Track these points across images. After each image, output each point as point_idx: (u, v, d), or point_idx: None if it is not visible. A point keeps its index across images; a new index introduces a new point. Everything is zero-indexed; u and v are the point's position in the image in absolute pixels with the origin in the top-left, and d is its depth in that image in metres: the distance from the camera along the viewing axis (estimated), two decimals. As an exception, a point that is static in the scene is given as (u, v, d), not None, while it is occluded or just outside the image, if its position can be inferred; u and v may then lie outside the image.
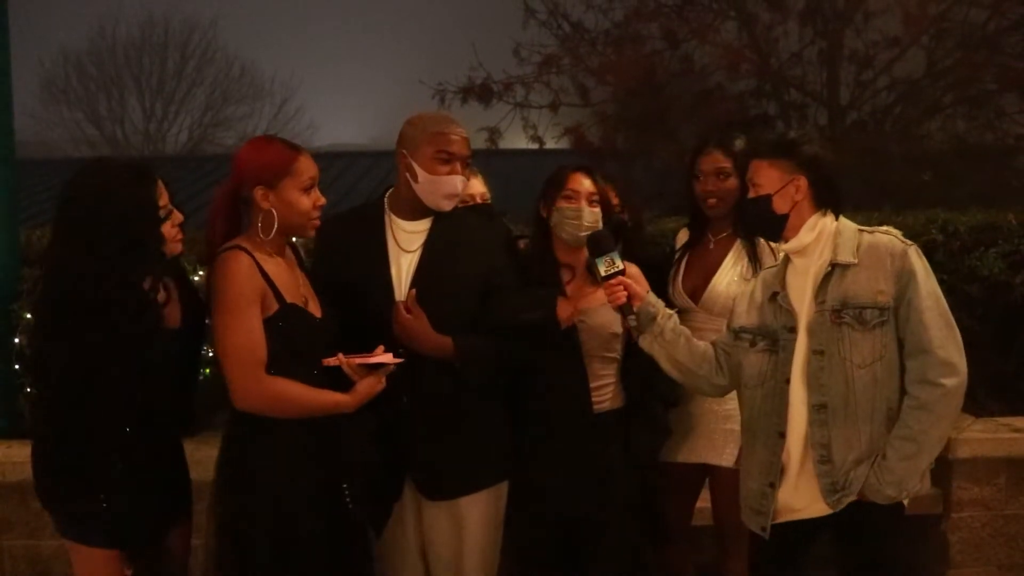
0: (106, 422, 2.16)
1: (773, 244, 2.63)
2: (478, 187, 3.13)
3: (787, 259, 2.46)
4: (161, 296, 2.22)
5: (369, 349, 2.35)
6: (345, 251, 2.59)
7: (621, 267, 2.48)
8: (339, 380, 2.32)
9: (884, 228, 2.42)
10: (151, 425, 2.24)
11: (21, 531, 3.48)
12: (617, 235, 2.66)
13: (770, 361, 2.40)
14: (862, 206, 5.56)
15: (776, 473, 2.38)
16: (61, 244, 2.18)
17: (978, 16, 8.23)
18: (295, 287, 2.35)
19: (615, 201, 2.81)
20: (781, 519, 2.38)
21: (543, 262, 2.73)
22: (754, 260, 2.84)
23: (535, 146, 9.22)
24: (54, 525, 2.30)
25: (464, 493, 2.57)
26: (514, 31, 8.86)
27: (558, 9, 8.97)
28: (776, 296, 2.41)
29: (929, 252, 4.19)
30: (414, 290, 2.49)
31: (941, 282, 4.12)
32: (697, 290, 2.90)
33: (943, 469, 3.53)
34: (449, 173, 2.53)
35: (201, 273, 3.73)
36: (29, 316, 3.75)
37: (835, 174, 2.45)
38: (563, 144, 9.05)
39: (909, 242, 2.36)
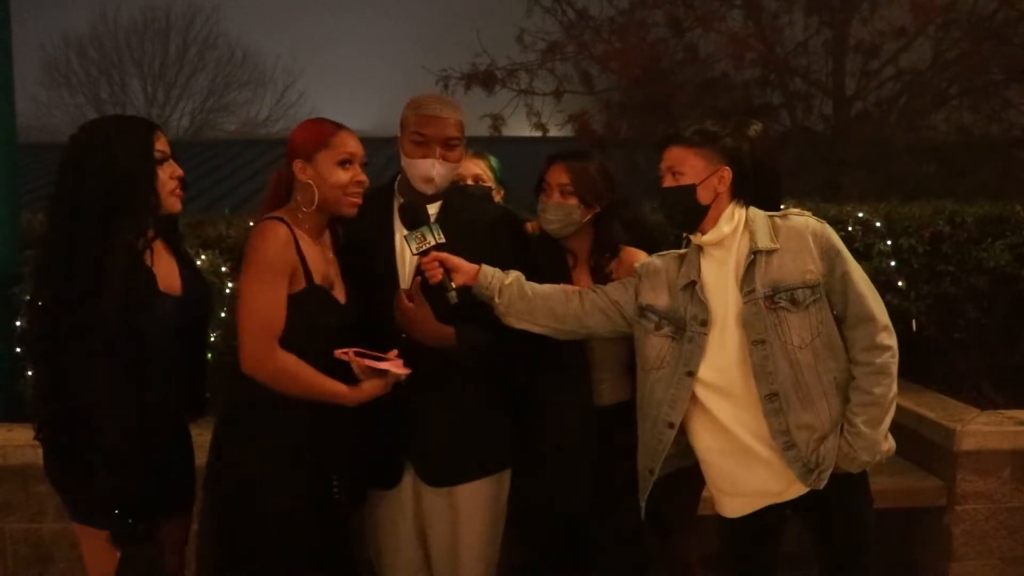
0: (106, 397, 2.09)
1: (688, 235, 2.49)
2: (472, 168, 3.11)
3: (700, 248, 2.42)
4: (148, 258, 2.18)
5: (377, 339, 2.34)
6: (354, 233, 2.56)
7: (433, 242, 2.39)
8: (348, 372, 2.31)
9: (796, 211, 2.42)
10: (153, 403, 2.19)
11: (22, 515, 3.47)
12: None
13: (671, 348, 2.38)
14: (867, 197, 5.55)
15: (658, 460, 2.40)
16: (52, 202, 2.17)
17: (986, 7, 8.18)
18: (324, 270, 2.36)
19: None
20: (763, 504, 2.38)
21: (547, 250, 2.71)
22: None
23: (539, 134, 9.19)
24: (68, 511, 2.25)
25: (463, 481, 2.56)
26: (518, 18, 8.85)
27: (562, -4, 8.93)
28: (693, 286, 2.38)
29: (936, 243, 4.23)
30: (418, 278, 2.47)
31: (948, 273, 4.20)
32: None
33: (947, 461, 3.53)
34: (422, 156, 2.48)
35: (204, 257, 3.72)
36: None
37: (756, 166, 2.43)
38: (567, 132, 9.02)
39: (822, 220, 2.39)
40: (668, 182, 2.40)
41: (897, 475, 3.62)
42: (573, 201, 2.60)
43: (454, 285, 2.41)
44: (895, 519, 3.64)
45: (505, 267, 2.54)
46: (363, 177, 2.37)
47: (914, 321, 4.14)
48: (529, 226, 2.79)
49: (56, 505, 3.40)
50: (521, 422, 2.66)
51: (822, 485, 2.28)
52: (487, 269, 2.48)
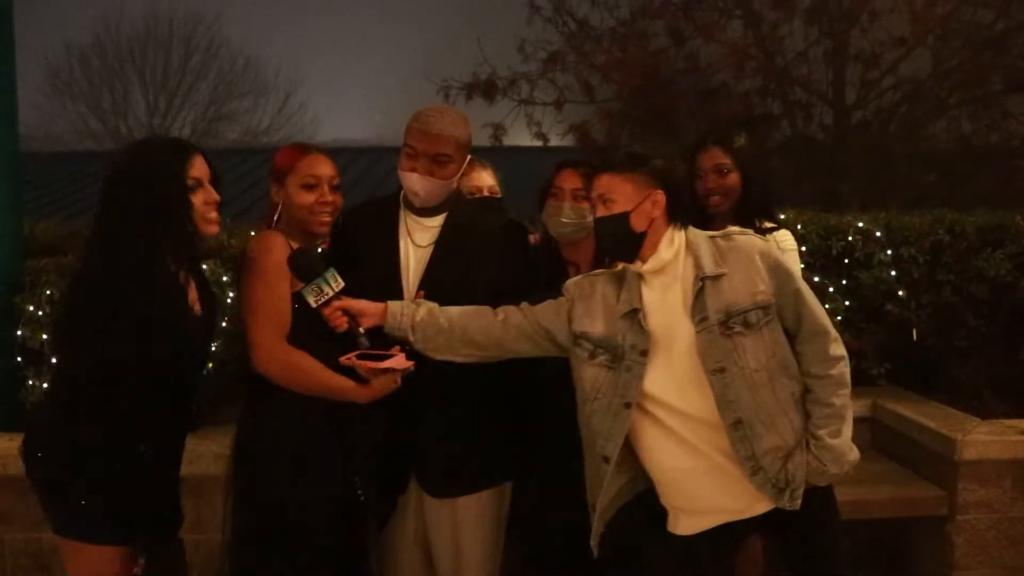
0: (127, 411, 2.11)
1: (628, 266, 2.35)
2: (487, 179, 3.12)
3: (639, 275, 2.32)
4: (189, 290, 2.23)
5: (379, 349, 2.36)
6: (359, 242, 2.58)
7: (332, 291, 2.31)
8: (356, 378, 2.35)
9: (737, 229, 2.36)
10: (168, 416, 2.22)
11: (22, 524, 3.46)
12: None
13: (607, 378, 2.28)
14: (867, 206, 5.55)
15: (596, 494, 2.34)
16: (95, 225, 2.19)
17: (985, 16, 8.21)
18: None
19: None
20: (721, 521, 2.31)
21: (549, 261, 2.72)
22: None
23: (539, 143, 9.20)
24: (51, 522, 2.23)
25: (466, 492, 2.56)
26: (519, 27, 8.86)
27: (563, 6, 8.96)
28: (636, 313, 2.28)
29: (936, 253, 4.24)
30: (423, 292, 2.47)
31: (948, 282, 4.20)
32: None
33: (948, 470, 3.52)
34: (409, 169, 2.50)
35: (204, 266, 3.71)
36: (32, 308, 3.75)
37: (688, 187, 2.39)
38: (567, 141, 9.04)
39: (766, 237, 2.35)
40: (600, 212, 2.31)
41: (898, 485, 3.61)
42: (586, 205, 2.61)
43: (362, 330, 2.35)
44: (896, 529, 3.63)
45: (511, 278, 2.54)
46: (330, 197, 2.45)
47: (915, 330, 4.15)
48: (531, 238, 2.80)
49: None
50: (522, 430, 2.65)
51: (798, 506, 2.23)
52: (394, 307, 2.39)
